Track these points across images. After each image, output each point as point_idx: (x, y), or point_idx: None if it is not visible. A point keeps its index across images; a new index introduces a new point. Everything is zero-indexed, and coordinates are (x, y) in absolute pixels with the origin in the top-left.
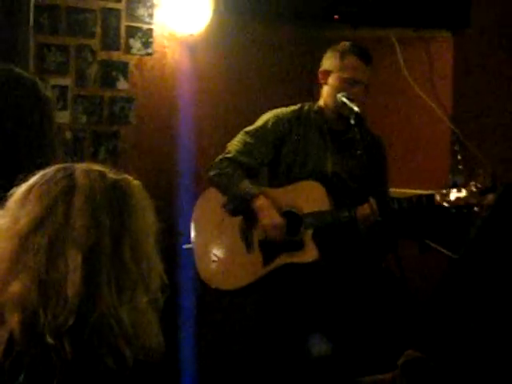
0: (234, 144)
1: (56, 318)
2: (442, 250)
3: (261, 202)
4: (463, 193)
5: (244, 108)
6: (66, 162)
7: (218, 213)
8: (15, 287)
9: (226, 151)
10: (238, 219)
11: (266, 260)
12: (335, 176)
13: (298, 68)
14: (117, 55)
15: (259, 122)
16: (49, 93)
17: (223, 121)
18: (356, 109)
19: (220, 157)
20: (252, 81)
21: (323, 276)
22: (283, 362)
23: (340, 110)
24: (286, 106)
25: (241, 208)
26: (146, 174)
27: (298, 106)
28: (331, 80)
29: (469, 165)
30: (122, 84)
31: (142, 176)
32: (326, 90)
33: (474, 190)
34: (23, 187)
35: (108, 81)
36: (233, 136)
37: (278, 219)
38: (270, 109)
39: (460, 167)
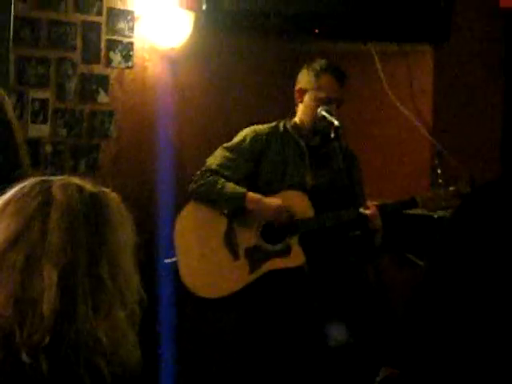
0: (214, 158)
1: (32, 335)
2: (420, 263)
3: (252, 195)
4: (442, 195)
5: (224, 122)
6: (45, 175)
7: (200, 225)
8: None
9: (207, 165)
10: (222, 229)
11: (253, 267)
12: (314, 190)
13: (279, 82)
14: (97, 68)
15: (237, 138)
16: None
17: (204, 134)
18: (336, 123)
19: (201, 169)
20: (233, 95)
21: (307, 284)
22: (264, 374)
23: (317, 125)
24: (267, 119)
25: (232, 209)
26: (126, 188)
27: (275, 123)
28: (307, 98)
29: (449, 178)
30: (103, 97)
31: (122, 189)
32: (301, 108)
33: (452, 192)
34: (0, 201)
35: (88, 94)
36: (213, 149)
37: (276, 202)
38: (250, 123)
39: (440, 181)
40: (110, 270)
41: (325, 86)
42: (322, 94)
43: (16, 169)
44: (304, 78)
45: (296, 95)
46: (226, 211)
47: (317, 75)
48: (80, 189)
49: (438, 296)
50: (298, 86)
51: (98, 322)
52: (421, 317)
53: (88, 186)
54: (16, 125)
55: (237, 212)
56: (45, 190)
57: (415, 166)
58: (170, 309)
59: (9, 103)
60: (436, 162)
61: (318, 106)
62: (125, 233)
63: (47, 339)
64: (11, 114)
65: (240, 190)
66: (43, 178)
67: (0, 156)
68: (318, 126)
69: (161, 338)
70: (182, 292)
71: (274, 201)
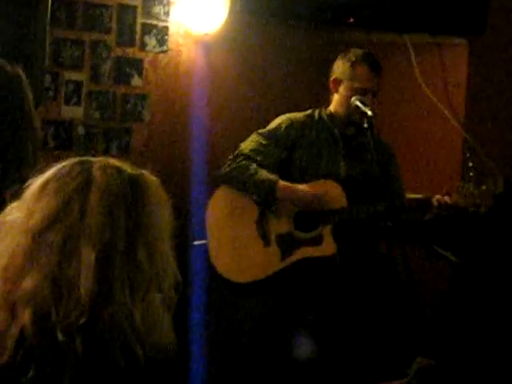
0: (248, 143)
1: (68, 315)
2: (450, 257)
3: (284, 183)
4: (475, 193)
5: (258, 108)
6: (77, 156)
7: (232, 209)
8: (28, 283)
9: (240, 149)
10: (254, 214)
11: (284, 254)
12: (348, 179)
13: (312, 70)
14: (132, 52)
15: (272, 125)
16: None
17: (237, 120)
18: (370, 113)
19: (234, 153)
20: (266, 81)
21: (337, 273)
22: (292, 361)
23: (352, 115)
24: (300, 107)
25: (264, 197)
26: (158, 171)
27: (310, 111)
28: (342, 89)
29: (480, 173)
30: (136, 81)
31: (154, 173)
32: (336, 98)
33: (485, 191)
34: (39, 180)
35: (122, 77)
36: (246, 136)
37: (311, 191)
38: (283, 110)
39: (471, 174)
40: (148, 253)
41: (360, 76)
42: (357, 85)
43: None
44: (339, 68)
45: (331, 85)
46: (256, 198)
47: (352, 65)
48: (120, 171)
49: (474, 292)
50: (333, 76)
51: (134, 305)
52: (457, 310)
53: (127, 168)
54: (34, 113)
55: (268, 200)
56: (85, 171)
57: (448, 160)
58: (201, 292)
59: (27, 86)
60: (467, 155)
61: (353, 96)
62: (163, 216)
63: (83, 320)
64: (29, 100)
65: (272, 176)
66: (83, 158)
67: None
68: (352, 116)
69: (191, 323)
70: (212, 275)
71: (307, 190)
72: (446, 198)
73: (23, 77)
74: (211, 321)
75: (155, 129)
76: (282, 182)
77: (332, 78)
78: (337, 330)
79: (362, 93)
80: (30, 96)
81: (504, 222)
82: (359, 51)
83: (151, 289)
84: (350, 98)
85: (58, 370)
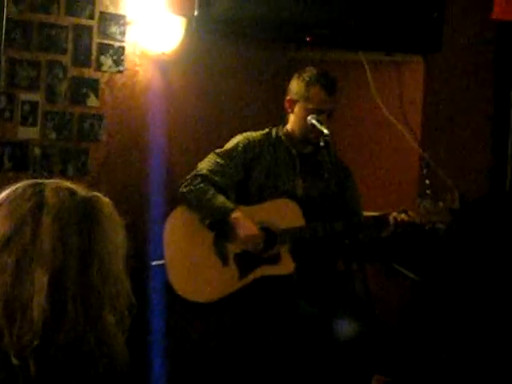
0: (205, 163)
1: (21, 338)
2: (408, 274)
3: (238, 215)
4: (432, 210)
5: (215, 127)
6: (33, 178)
7: (190, 229)
8: None
9: (197, 169)
10: (211, 234)
11: (242, 273)
12: (306, 198)
13: (269, 88)
14: (88, 72)
15: (230, 144)
16: None
17: (194, 139)
18: (326, 131)
19: (192, 173)
20: (223, 101)
21: (295, 291)
22: (251, 379)
23: (308, 134)
24: (257, 126)
25: (215, 223)
26: (115, 192)
27: (267, 130)
28: (297, 109)
29: (437, 189)
30: (93, 101)
31: (111, 193)
32: (292, 118)
33: (442, 207)
34: None
35: (78, 97)
36: (204, 155)
37: (255, 231)
38: (241, 129)
39: (428, 192)
40: (101, 275)
41: (314, 97)
42: (311, 106)
43: None
44: (294, 88)
45: (286, 105)
46: (207, 223)
47: (306, 86)
48: (72, 193)
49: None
50: (288, 97)
51: (88, 326)
52: (415, 327)
53: (80, 190)
54: None
55: (220, 226)
56: (37, 193)
57: (404, 177)
58: (159, 312)
59: None
60: (424, 172)
61: (308, 116)
62: (116, 238)
63: (36, 342)
64: None
65: (228, 204)
66: (36, 180)
67: None
68: (309, 135)
69: (150, 342)
70: (170, 296)
71: (253, 228)
72: (403, 216)
73: None
74: (170, 341)
75: (112, 149)
76: (236, 214)
77: (287, 98)
78: (294, 348)
79: (317, 113)
80: None
81: (461, 239)
82: (313, 71)
83: (105, 310)
84: (306, 117)
85: None
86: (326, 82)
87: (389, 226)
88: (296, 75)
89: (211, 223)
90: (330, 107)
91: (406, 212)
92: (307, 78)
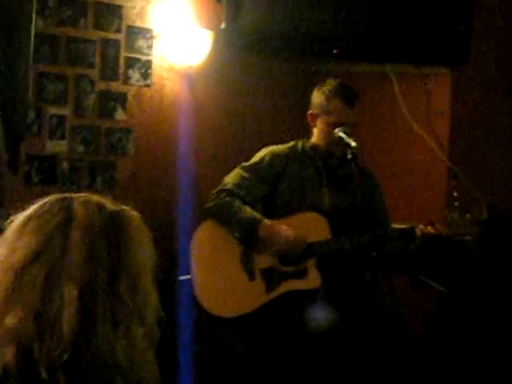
0: (231, 177)
1: (51, 352)
2: (436, 286)
3: (269, 223)
4: (460, 222)
5: (242, 140)
6: (61, 191)
7: (217, 243)
8: (10, 320)
9: (223, 183)
10: (238, 249)
11: (269, 288)
12: (333, 210)
13: (295, 101)
14: (115, 86)
15: (256, 158)
16: None
17: (221, 152)
18: (353, 144)
19: (218, 188)
20: (250, 114)
21: (322, 306)
22: None
23: (333, 147)
24: (285, 139)
25: (244, 235)
26: (143, 206)
27: (293, 143)
28: (319, 123)
29: (464, 201)
30: (120, 115)
31: (139, 207)
32: (316, 132)
33: (470, 219)
34: (20, 217)
35: (106, 111)
36: (230, 168)
37: (291, 231)
38: (268, 142)
39: (456, 204)
40: (130, 289)
41: (334, 111)
42: (332, 119)
43: None
44: (315, 102)
45: (309, 119)
46: (237, 235)
47: (327, 99)
48: (100, 207)
49: (464, 321)
50: (310, 111)
51: (117, 340)
52: (444, 339)
53: (108, 203)
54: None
55: (249, 239)
56: (66, 208)
57: (432, 189)
58: (187, 327)
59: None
60: (452, 184)
61: (331, 130)
62: (145, 251)
63: (66, 356)
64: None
65: (256, 215)
66: (64, 194)
67: None
68: (335, 148)
69: (178, 357)
70: (197, 310)
71: (288, 230)
72: (429, 228)
73: None
74: (199, 354)
75: (140, 162)
76: (267, 222)
77: (309, 113)
78: (323, 363)
79: (339, 126)
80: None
81: (490, 251)
82: (333, 83)
83: (133, 324)
84: (329, 131)
85: None
86: (346, 94)
87: (415, 238)
88: (316, 88)
89: (241, 237)
90: (352, 121)
91: (432, 224)
92: (327, 91)
